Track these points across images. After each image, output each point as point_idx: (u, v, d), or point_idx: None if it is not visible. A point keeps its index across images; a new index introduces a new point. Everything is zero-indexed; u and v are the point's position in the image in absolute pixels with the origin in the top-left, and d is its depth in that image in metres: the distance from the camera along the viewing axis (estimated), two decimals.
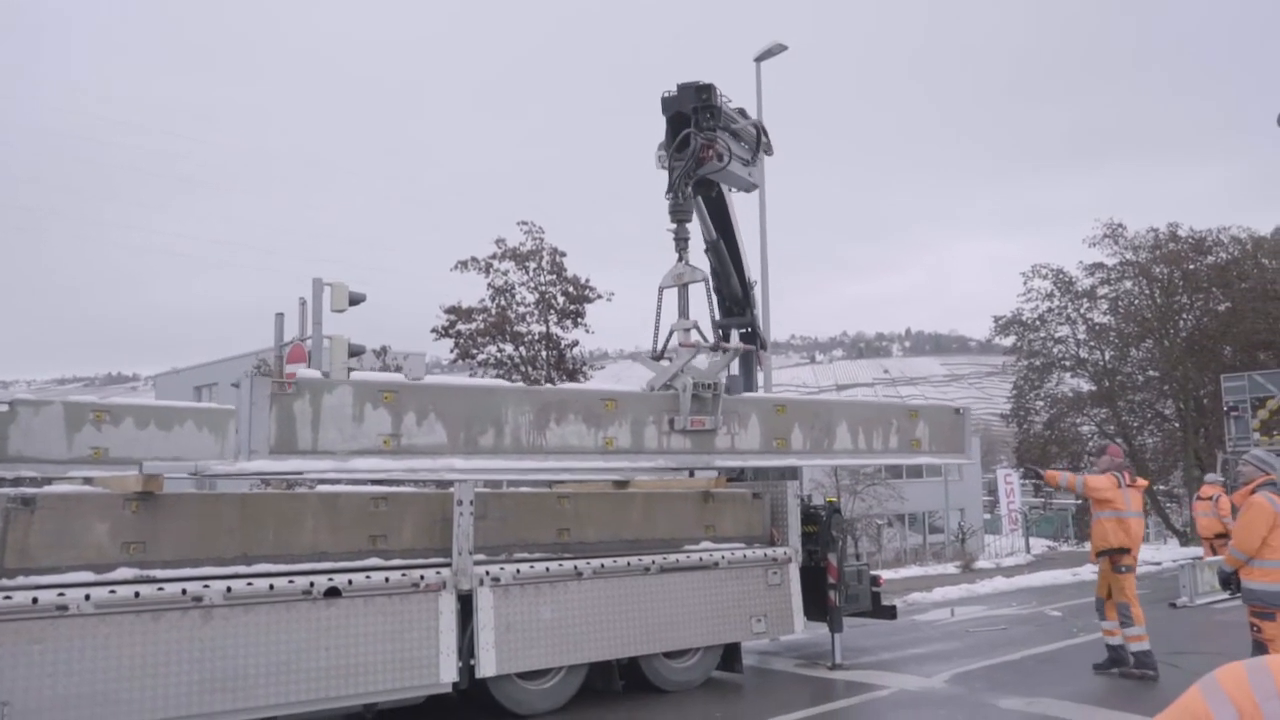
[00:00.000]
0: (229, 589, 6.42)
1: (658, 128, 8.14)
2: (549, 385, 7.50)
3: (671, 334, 8.07)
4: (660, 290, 8.05)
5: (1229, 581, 7.97)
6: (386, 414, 6.30)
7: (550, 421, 6.89)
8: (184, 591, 6.27)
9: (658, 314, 8.18)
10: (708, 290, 7.90)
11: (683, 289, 7.91)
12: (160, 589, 6.21)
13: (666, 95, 7.81)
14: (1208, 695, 2.92)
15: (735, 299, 10.35)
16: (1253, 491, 7.80)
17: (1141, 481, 9.55)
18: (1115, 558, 9.26)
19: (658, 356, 8.06)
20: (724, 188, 9.50)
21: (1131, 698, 8.23)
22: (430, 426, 6.41)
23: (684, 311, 7.92)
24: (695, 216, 9.65)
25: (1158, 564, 23.25)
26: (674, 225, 7.92)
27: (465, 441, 6.54)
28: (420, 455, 6.43)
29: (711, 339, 8.03)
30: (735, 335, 10.99)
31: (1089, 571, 20.99)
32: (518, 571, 7.71)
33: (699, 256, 9.01)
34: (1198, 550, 23.70)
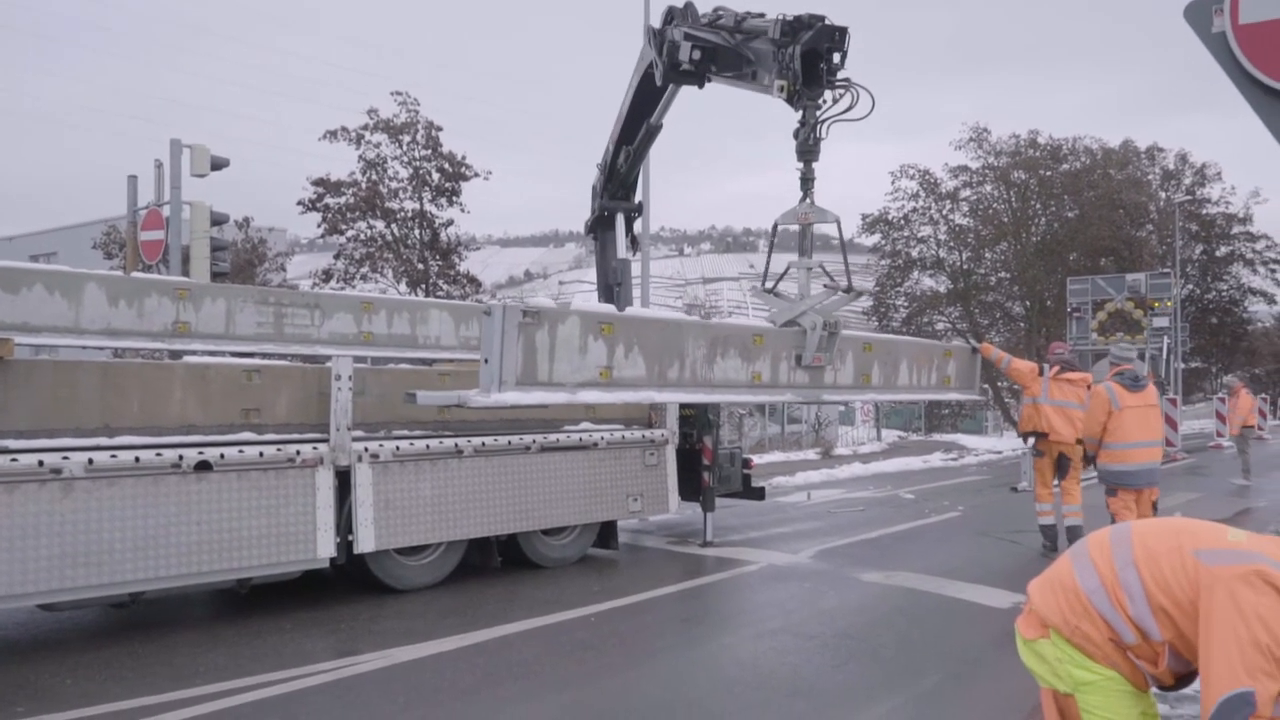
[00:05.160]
0: (90, 461, 6.08)
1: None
2: (716, 320, 7.29)
3: (787, 269, 7.90)
4: (775, 226, 7.80)
5: (1093, 461, 8.89)
6: (604, 346, 6.27)
7: (717, 355, 7.01)
8: (41, 463, 5.91)
9: (770, 248, 8.02)
10: (840, 230, 7.61)
11: (806, 228, 7.70)
12: (14, 460, 5.83)
13: (786, 19, 7.36)
14: (1075, 561, 3.14)
15: (626, 183, 10.40)
16: (1104, 381, 8.66)
17: (1074, 375, 9.89)
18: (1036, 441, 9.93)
19: (770, 290, 7.94)
20: None
21: (980, 570, 8.84)
22: (634, 360, 6.47)
23: (806, 250, 7.72)
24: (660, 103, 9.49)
25: (999, 452, 24.87)
26: (800, 165, 7.60)
27: (659, 374, 6.63)
28: (626, 388, 6.49)
29: (843, 281, 7.81)
30: (621, 218, 10.95)
31: (938, 459, 22.32)
32: (397, 448, 7.59)
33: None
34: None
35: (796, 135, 7.44)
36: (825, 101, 7.36)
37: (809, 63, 7.21)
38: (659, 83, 9.01)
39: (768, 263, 8.12)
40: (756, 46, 7.66)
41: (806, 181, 7.62)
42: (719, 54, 7.95)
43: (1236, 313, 43.84)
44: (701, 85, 8.56)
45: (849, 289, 7.80)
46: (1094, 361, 23.36)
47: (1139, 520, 2.98)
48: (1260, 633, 2.56)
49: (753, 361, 7.22)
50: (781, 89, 7.31)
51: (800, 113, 7.37)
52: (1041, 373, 9.85)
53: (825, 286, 7.85)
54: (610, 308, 7.56)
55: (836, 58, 7.29)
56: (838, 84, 7.28)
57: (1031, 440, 10.03)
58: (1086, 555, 3.09)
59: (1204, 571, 2.73)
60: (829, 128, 7.46)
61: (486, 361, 5.69)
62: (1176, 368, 29.16)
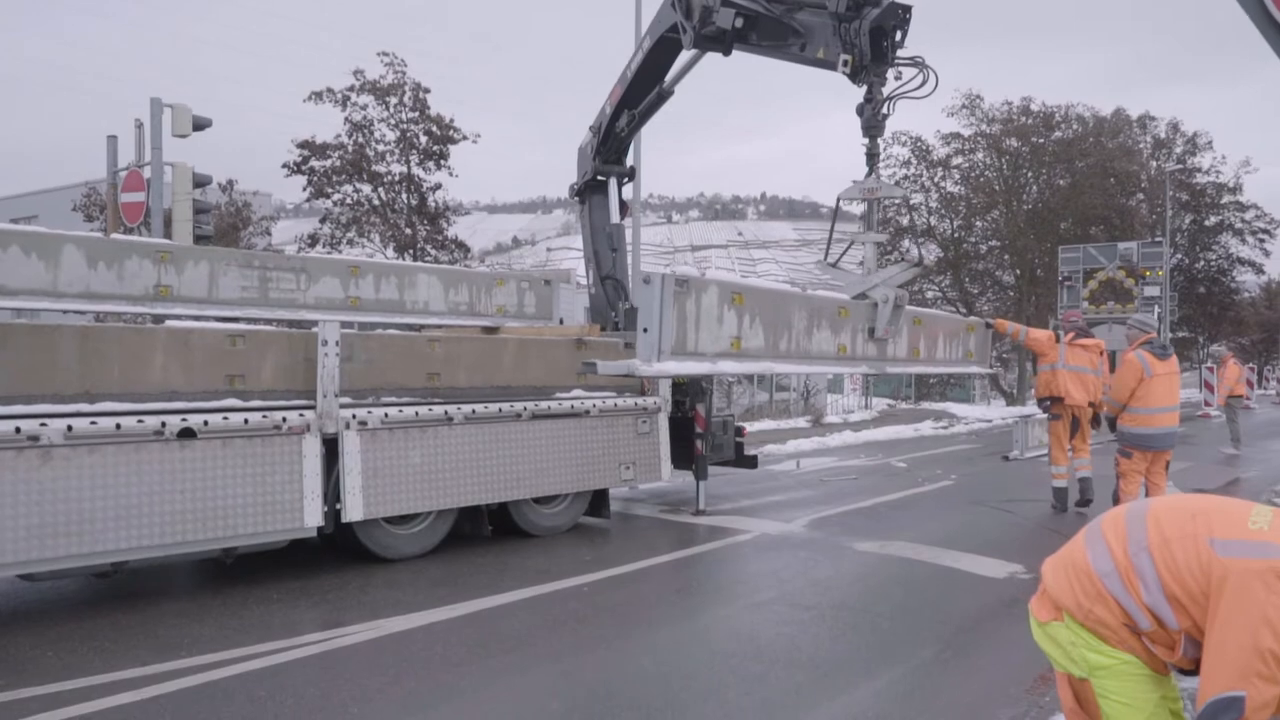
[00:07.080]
0: (70, 428, 5.91)
1: None
2: (810, 292, 7.39)
3: (851, 244, 7.93)
4: (839, 200, 7.80)
5: (1112, 424, 9.34)
6: (735, 317, 6.37)
7: (814, 327, 7.14)
8: (18, 430, 5.74)
9: (832, 224, 8.02)
10: (907, 204, 7.64)
11: (873, 203, 7.72)
12: None
13: None
14: (1089, 544, 2.99)
15: (622, 147, 10.32)
16: (1134, 350, 9.03)
17: (1089, 341, 10.39)
18: (1051, 405, 10.43)
19: (833, 264, 7.97)
20: None
21: (976, 539, 8.78)
22: (756, 330, 6.58)
23: (873, 224, 7.78)
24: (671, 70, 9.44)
25: (989, 421, 24.87)
26: (865, 140, 7.57)
27: (773, 345, 6.75)
28: (752, 359, 6.63)
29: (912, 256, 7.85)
30: (614, 183, 10.78)
31: (929, 428, 22.29)
32: (385, 416, 7.45)
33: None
34: (1025, 409, 25.49)
35: (860, 111, 7.46)
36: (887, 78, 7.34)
37: (872, 39, 7.16)
38: (687, 47, 8.91)
39: (830, 237, 8.17)
40: (803, 19, 7.63)
41: (872, 157, 7.67)
42: (760, 23, 7.86)
43: (1224, 282, 43.89)
44: (728, 53, 8.48)
45: (919, 262, 7.84)
46: None
47: (1158, 498, 2.85)
48: (1265, 637, 2.44)
49: (838, 333, 7.39)
50: (846, 64, 7.25)
51: (865, 88, 7.33)
52: (1057, 340, 10.21)
53: (906, 261, 7.96)
54: (738, 279, 7.63)
55: (899, 35, 7.23)
56: (908, 62, 7.24)
57: (1047, 404, 10.42)
58: (1100, 535, 2.95)
59: (1216, 563, 2.58)
60: (894, 104, 7.43)
61: (645, 331, 5.74)
62: (1166, 337, 29.15)
